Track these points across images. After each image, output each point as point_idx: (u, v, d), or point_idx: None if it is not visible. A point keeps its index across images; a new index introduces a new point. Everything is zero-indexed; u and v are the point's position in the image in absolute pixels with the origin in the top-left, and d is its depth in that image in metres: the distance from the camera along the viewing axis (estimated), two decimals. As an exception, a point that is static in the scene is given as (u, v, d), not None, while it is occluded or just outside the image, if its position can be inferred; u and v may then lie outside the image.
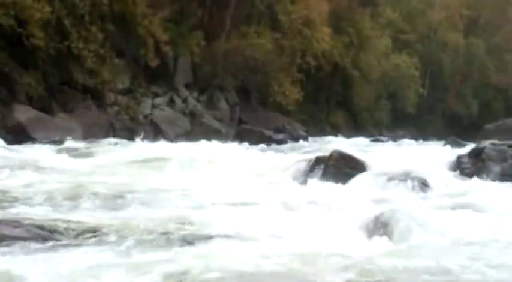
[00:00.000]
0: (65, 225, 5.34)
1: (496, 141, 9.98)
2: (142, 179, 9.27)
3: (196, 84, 28.56)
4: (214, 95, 28.42)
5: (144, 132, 21.79)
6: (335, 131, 35.35)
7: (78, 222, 5.52)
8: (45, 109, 20.10)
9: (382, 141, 28.33)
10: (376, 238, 5.12)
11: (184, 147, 15.61)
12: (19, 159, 11.02)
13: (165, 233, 5.15)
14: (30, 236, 4.83)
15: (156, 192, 7.69)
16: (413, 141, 27.49)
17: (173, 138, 22.11)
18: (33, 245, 4.65)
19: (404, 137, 32.14)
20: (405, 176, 8.45)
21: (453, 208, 6.03)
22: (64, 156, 12.51)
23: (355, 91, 38.94)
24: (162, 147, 15.67)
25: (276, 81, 29.64)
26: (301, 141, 24.51)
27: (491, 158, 9.04)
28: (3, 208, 6.11)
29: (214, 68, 28.17)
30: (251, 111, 30.30)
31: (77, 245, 4.76)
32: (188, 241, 4.93)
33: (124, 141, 18.38)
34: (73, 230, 5.19)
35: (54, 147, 14.83)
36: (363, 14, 37.77)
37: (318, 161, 9.76)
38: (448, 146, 18.24)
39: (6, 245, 4.55)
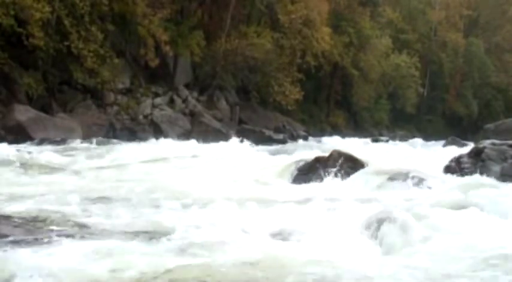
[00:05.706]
0: (64, 224, 5.35)
1: (496, 141, 9.95)
2: (140, 178, 9.28)
3: (196, 84, 28.58)
4: (214, 95, 28.44)
5: None
6: (335, 130, 35.36)
7: (76, 220, 5.52)
8: (45, 109, 20.11)
9: (382, 141, 28.35)
10: (374, 238, 5.11)
11: (185, 147, 15.63)
12: (19, 159, 11.01)
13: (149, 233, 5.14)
14: (30, 236, 4.83)
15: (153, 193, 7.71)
16: (413, 141, 27.48)
17: (173, 138, 22.10)
18: (33, 245, 4.65)
19: (404, 136, 32.18)
20: (405, 176, 8.43)
21: (453, 208, 6.01)
22: (63, 155, 12.51)
23: (355, 91, 38.98)
24: (162, 147, 15.68)
25: (276, 81, 29.66)
26: (301, 141, 24.54)
27: (491, 158, 9.00)
28: (4, 207, 6.11)
29: (214, 68, 28.19)
30: (251, 111, 30.32)
31: (76, 244, 4.76)
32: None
33: (123, 140, 18.40)
34: (72, 229, 5.19)
35: (53, 147, 14.83)
36: (363, 14, 37.79)
37: (318, 160, 9.76)
38: (448, 146, 18.26)
39: (6, 244, 4.55)
